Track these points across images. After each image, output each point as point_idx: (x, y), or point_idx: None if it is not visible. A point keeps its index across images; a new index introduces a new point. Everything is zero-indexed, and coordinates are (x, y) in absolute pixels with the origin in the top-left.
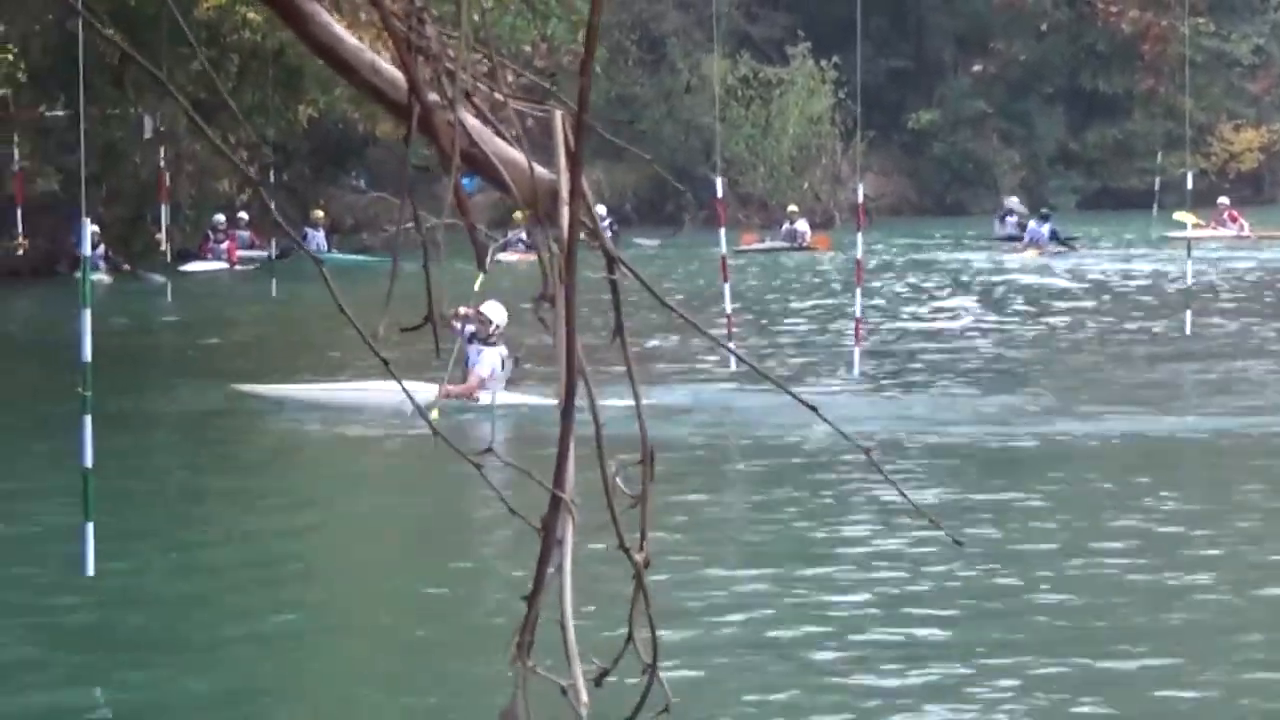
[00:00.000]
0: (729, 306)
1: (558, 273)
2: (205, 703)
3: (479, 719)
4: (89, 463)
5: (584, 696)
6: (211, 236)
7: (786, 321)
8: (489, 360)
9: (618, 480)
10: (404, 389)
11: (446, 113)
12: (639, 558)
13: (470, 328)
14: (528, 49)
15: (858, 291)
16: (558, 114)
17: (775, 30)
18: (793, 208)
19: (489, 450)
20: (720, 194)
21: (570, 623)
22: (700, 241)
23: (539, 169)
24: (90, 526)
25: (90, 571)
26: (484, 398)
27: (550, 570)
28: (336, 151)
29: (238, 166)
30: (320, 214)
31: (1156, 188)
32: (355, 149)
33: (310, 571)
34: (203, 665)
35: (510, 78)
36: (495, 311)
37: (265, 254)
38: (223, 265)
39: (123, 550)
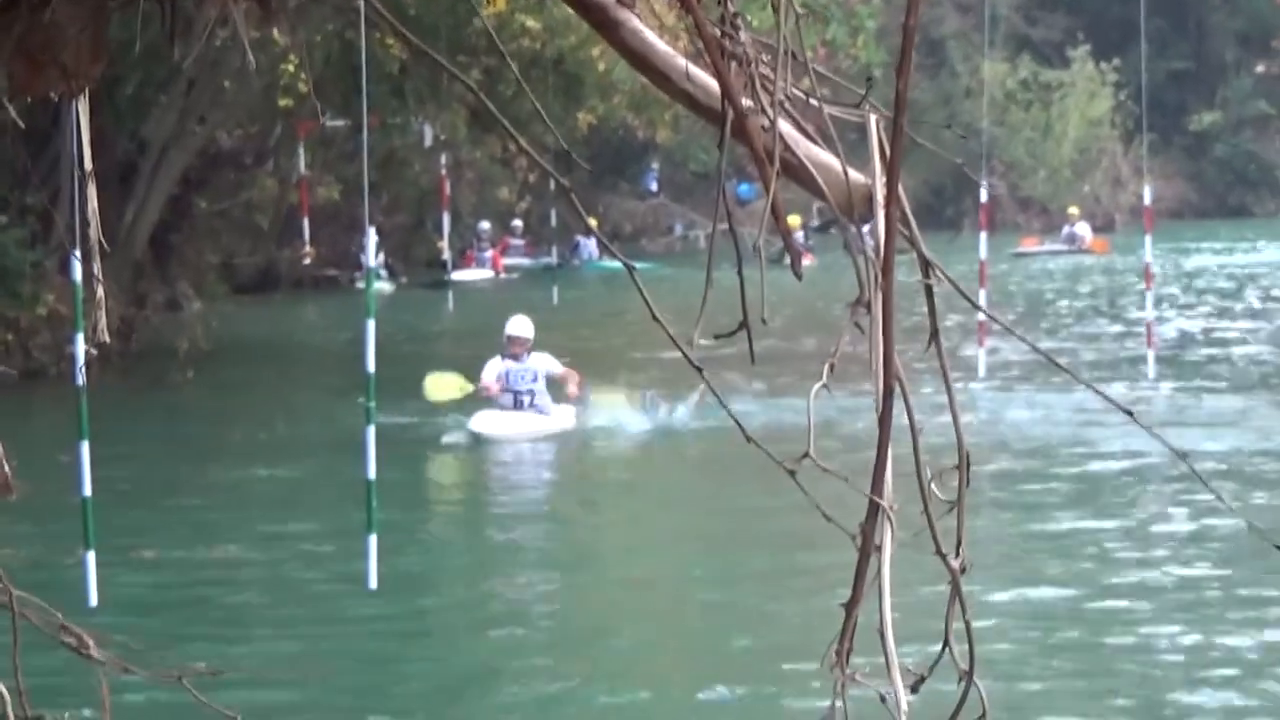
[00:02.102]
0: (981, 315)
1: (874, 279)
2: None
3: None
4: (371, 474)
5: (903, 704)
6: (476, 244)
7: (1070, 324)
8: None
9: (933, 486)
10: (718, 398)
11: (759, 118)
12: (955, 563)
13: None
14: (809, 53)
15: (1148, 294)
16: (873, 118)
17: (1055, 33)
18: (1073, 210)
19: (806, 456)
20: (985, 199)
21: (890, 630)
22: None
23: (853, 173)
24: (373, 539)
25: (373, 585)
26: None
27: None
28: (615, 158)
29: (516, 174)
30: (594, 222)
31: None
32: (635, 155)
33: (613, 581)
34: (488, 678)
35: (819, 81)
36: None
37: (530, 261)
38: (488, 273)
39: (405, 563)
